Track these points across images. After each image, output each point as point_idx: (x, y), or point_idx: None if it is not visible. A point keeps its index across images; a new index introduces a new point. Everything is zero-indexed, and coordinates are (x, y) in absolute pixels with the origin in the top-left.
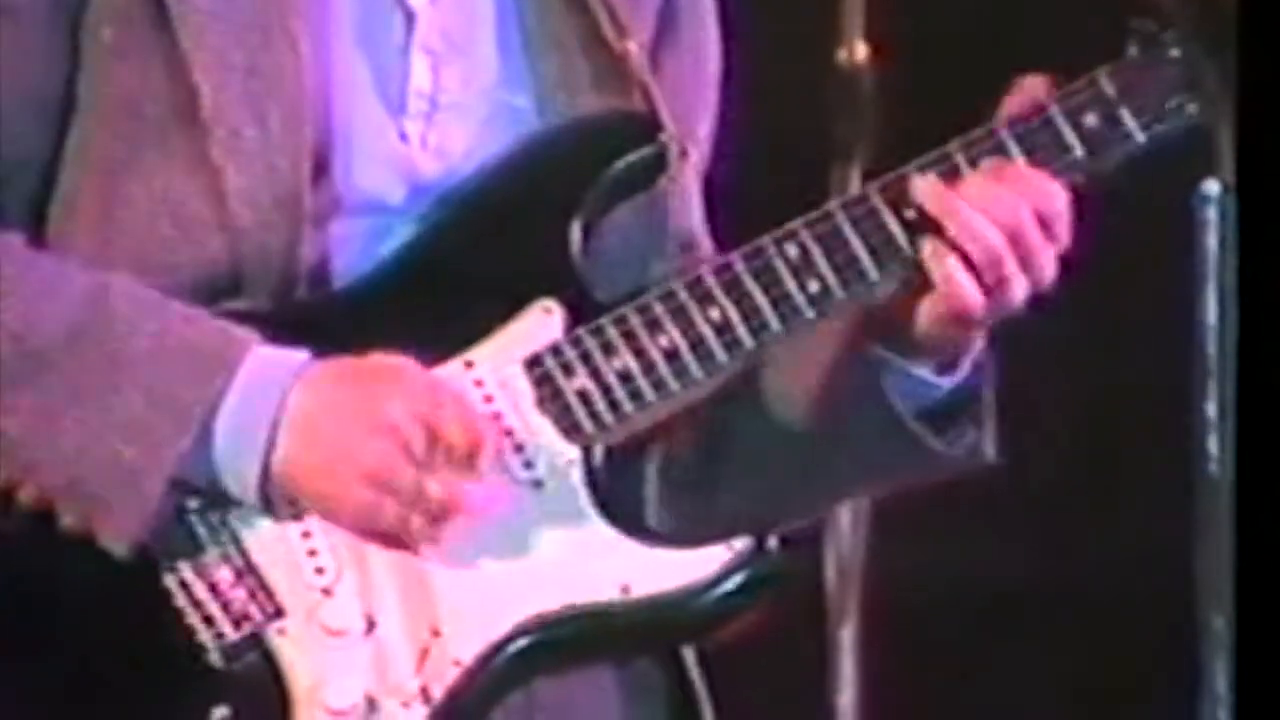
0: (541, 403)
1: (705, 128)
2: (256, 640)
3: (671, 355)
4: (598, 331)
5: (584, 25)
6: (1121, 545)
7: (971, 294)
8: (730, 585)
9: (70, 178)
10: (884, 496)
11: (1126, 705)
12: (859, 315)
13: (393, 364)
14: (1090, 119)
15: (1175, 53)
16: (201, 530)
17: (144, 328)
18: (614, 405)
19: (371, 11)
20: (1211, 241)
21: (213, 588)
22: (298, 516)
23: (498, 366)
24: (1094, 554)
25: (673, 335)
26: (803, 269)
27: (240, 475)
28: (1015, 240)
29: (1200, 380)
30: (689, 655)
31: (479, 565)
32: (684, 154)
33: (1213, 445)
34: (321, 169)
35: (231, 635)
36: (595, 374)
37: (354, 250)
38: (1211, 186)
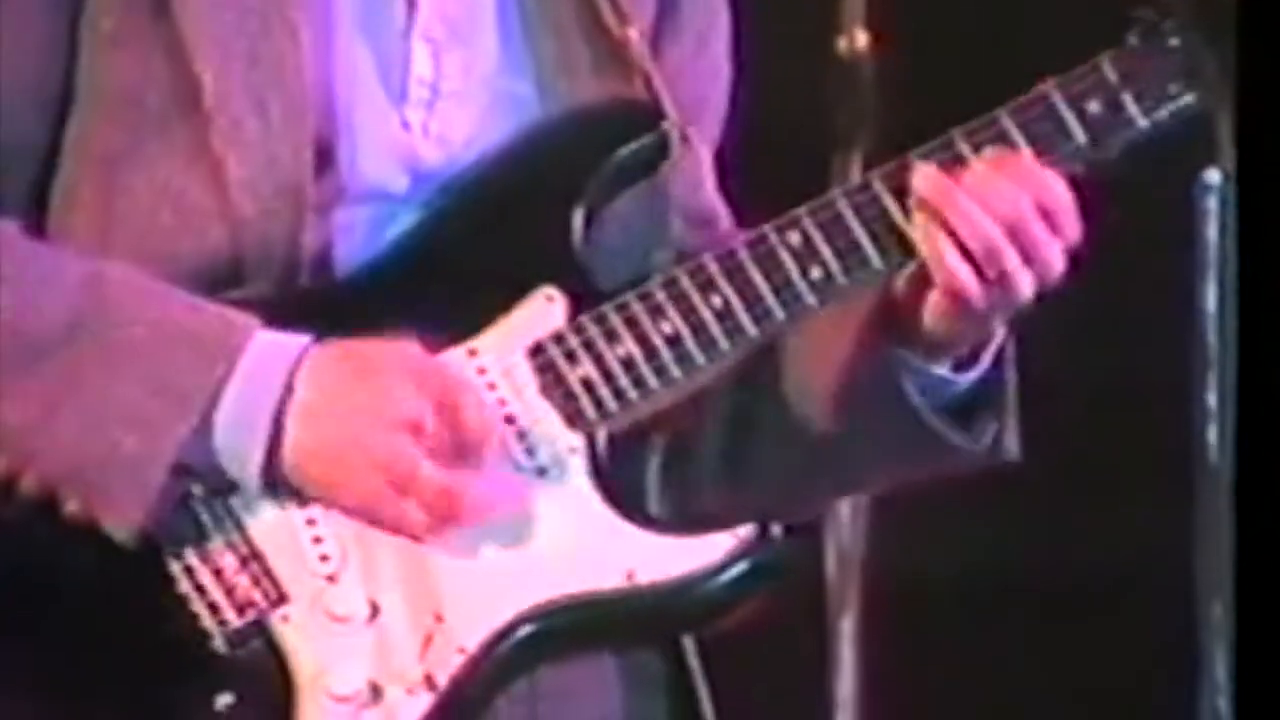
0: (545, 390)
1: (715, 108)
2: (260, 627)
3: (674, 342)
4: (600, 319)
5: (584, 12)
6: (1121, 534)
7: (965, 276)
8: (735, 572)
9: (71, 168)
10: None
11: (1126, 694)
12: (874, 313)
13: (397, 349)
14: (1093, 105)
15: (1175, 41)
16: (205, 517)
17: (142, 316)
18: (617, 392)
19: None
20: (1212, 231)
21: (217, 574)
22: (302, 503)
23: (501, 354)
24: (1094, 543)
25: (675, 322)
26: (805, 256)
27: (243, 461)
28: (1017, 233)
29: (1200, 369)
30: (688, 644)
31: (483, 553)
32: (685, 141)
33: (1213, 435)
34: (324, 158)
35: (235, 622)
36: (598, 361)
37: (356, 239)
38: (1212, 175)
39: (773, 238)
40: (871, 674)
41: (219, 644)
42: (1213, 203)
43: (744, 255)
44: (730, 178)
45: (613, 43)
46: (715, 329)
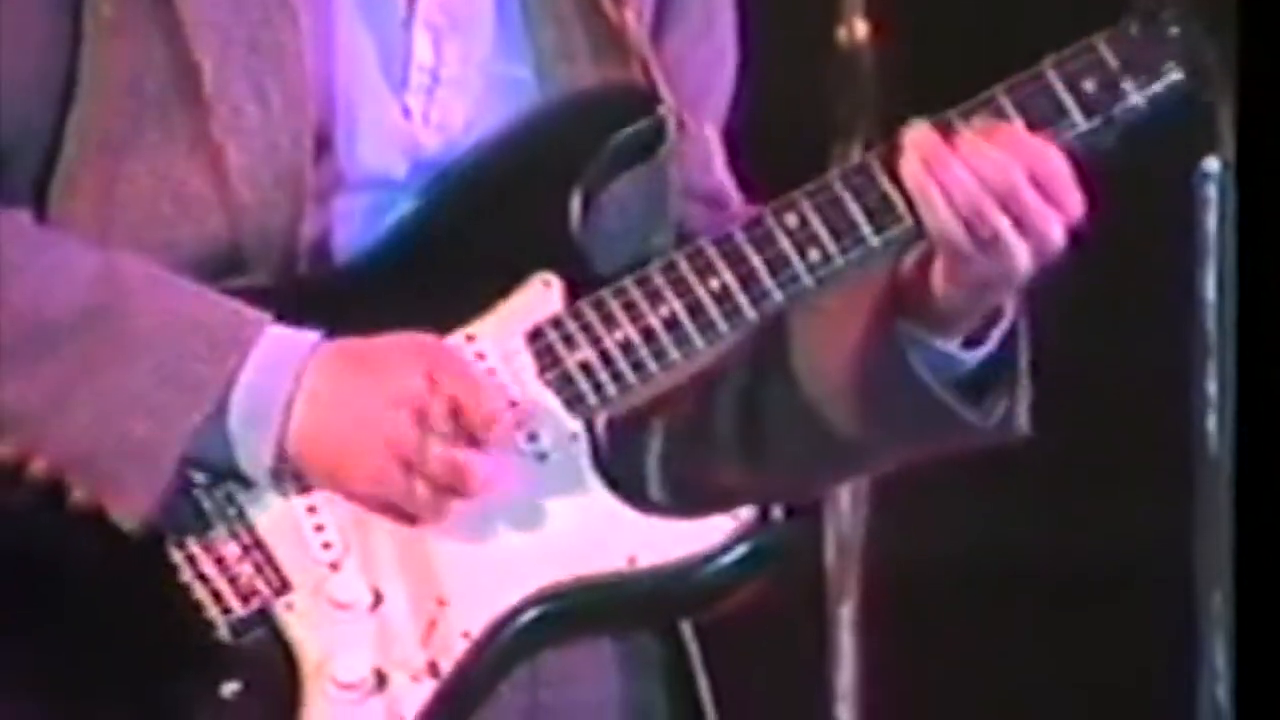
0: (544, 375)
1: (721, 91)
2: (264, 615)
3: (672, 325)
4: (598, 303)
5: None
6: (1121, 523)
7: (957, 228)
8: (736, 555)
9: (71, 156)
10: (884, 474)
11: (1126, 683)
12: (883, 292)
13: (403, 337)
14: (1088, 84)
15: (1175, 30)
16: (208, 506)
17: (155, 306)
18: (616, 376)
19: None
20: (1211, 219)
21: (220, 563)
22: (303, 491)
23: (500, 340)
24: (1094, 532)
25: (673, 305)
26: (802, 237)
27: (255, 452)
28: (1008, 199)
29: (1200, 358)
30: (687, 631)
31: (485, 538)
32: (682, 126)
33: (1212, 423)
34: (324, 145)
35: (239, 610)
36: (597, 345)
37: (355, 226)
38: (1211, 164)
39: (770, 220)
40: (870, 661)
41: (223, 633)
42: (1212, 191)
43: (741, 238)
44: (731, 166)
45: (611, 28)
46: (714, 312)
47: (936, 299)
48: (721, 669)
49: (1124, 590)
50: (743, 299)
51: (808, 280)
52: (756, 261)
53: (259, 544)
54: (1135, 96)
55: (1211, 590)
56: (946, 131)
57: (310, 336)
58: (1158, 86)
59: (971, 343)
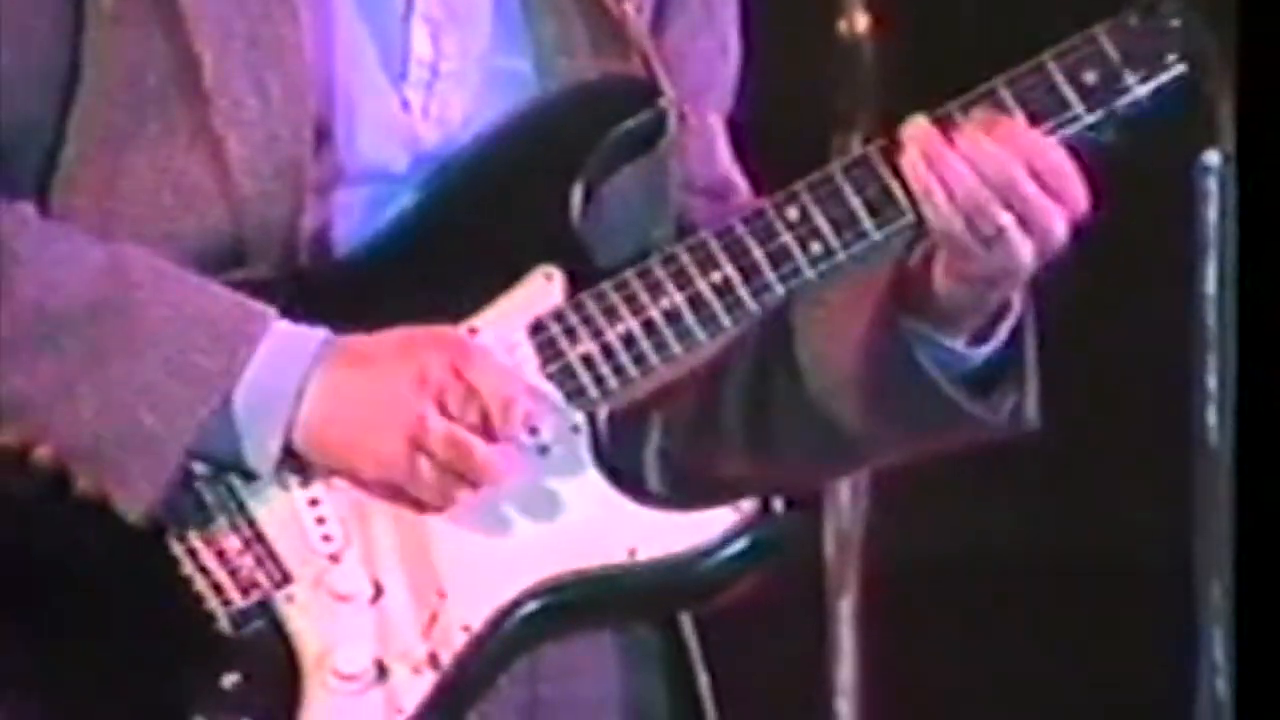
0: (545, 368)
1: (724, 81)
2: (265, 607)
3: (674, 318)
4: (600, 296)
5: None
6: (1121, 516)
7: (958, 222)
8: (737, 547)
9: (73, 148)
10: (883, 468)
11: (1125, 676)
12: (888, 287)
13: (424, 330)
14: (1089, 76)
15: (1175, 22)
16: (209, 498)
17: (161, 299)
18: (618, 369)
19: None
20: (1212, 212)
21: (220, 555)
22: (304, 483)
23: (501, 333)
24: (1093, 525)
25: (675, 298)
26: (804, 230)
27: (261, 446)
28: (1008, 194)
29: (1200, 351)
30: (687, 625)
31: (486, 530)
32: (683, 119)
33: (1212, 416)
34: (324, 138)
35: (240, 602)
36: (598, 338)
37: (355, 219)
38: (1212, 157)
39: (771, 213)
40: (870, 655)
41: (224, 625)
42: (1212, 184)
43: (742, 230)
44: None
45: (611, 20)
46: (715, 305)
47: (939, 296)
48: (721, 663)
49: (1124, 583)
50: (744, 292)
51: (810, 273)
52: (758, 254)
53: (260, 536)
54: (1136, 88)
55: (1211, 583)
56: (946, 124)
57: (318, 332)
58: (1158, 78)
59: (979, 338)
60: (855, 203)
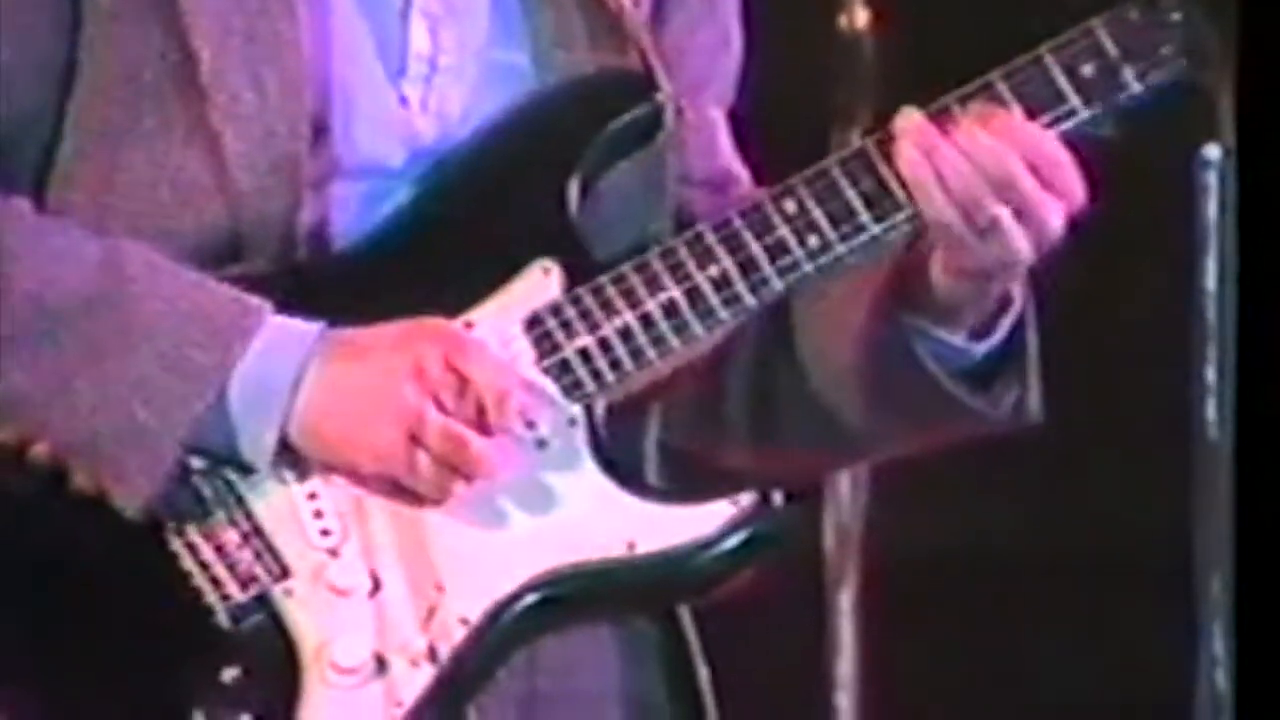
0: (542, 362)
1: (725, 74)
2: (263, 601)
3: (671, 312)
4: (597, 290)
5: None
6: (1120, 509)
7: (953, 214)
8: (736, 540)
9: (71, 143)
10: (883, 462)
11: (1125, 668)
12: (886, 282)
13: (418, 323)
14: (1087, 70)
15: (1174, 16)
16: (208, 493)
17: (158, 292)
18: (615, 363)
19: None
20: (1212, 206)
21: (219, 549)
22: (302, 477)
23: (498, 327)
24: (1093, 519)
25: (672, 292)
26: (801, 224)
27: (257, 439)
28: (1005, 187)
29: (1200, 345)
30: (685, 618)
31: (483, 525)
32: (680, 112)
33: (1211, 410)
34: (321, 133)
35: (239, 596)
36: (595, 332)
37: (353, 213)
38: (1212, 151)
39: (769, 206)
40: (869, 648)
41: (223, 619)
42: (1212, 178)
43: (740, 224)
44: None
45: (609, 14)
46: (713, 299)
47: (938, 290)
48: (720, 656)
49: (1123, 577)
50: (742, 286)
51: (808, 267)
52: (756, 248)
53: (258, 531)
54: (1134, 83)
55: (1211, 576)
56: (944, 118)
57: (314, 326)
58: (1157, 72)
59: (981, 333)
60: (851, 195)
